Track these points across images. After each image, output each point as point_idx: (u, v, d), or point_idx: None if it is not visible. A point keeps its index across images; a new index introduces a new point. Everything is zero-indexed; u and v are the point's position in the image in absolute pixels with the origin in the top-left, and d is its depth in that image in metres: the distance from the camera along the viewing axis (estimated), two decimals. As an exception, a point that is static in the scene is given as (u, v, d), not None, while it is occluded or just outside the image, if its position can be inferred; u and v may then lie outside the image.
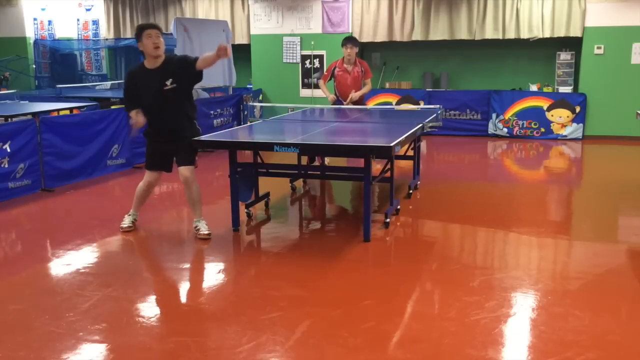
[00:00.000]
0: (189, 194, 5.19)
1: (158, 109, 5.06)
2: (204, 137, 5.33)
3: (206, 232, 5.17)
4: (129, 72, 5.34)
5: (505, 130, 10.89)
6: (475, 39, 10.93)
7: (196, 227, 5.22)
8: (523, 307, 3.81)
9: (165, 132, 5.15)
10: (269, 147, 5.07)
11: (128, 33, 13.14)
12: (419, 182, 7.06)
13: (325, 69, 7.94)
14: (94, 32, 13.61)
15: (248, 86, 12.40)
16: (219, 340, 3.41)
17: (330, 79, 7.79)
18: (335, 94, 7.76)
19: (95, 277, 4.39)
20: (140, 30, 4.99)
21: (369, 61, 12.22)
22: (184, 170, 5.10)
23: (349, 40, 7.67)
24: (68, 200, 6.67)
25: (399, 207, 5.96)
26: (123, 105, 5.46)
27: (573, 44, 10.67)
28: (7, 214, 6.08)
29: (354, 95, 7.63)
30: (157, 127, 5.20)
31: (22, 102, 9.63)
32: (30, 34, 13.41)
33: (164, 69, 5.02)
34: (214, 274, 4.55)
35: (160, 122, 5.16)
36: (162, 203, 6.69)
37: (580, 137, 10.56)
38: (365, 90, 7.78)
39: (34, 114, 7.55)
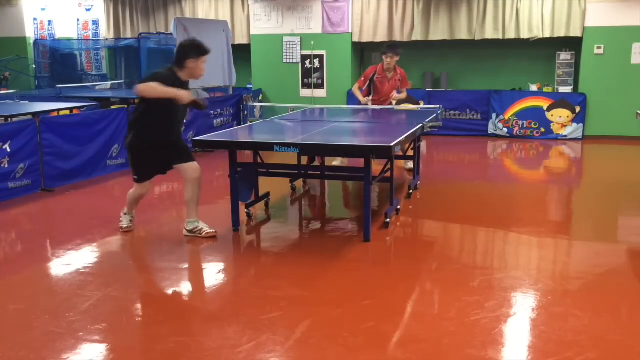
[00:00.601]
0: (195, 190, 5.07)
1: (175, 119, 4.99)
2: (204, 137, 5.33)
3: (213, 230, 5.18)
4: (163, 73, 4.88)
5: (505, 130, 10.89)
6: (475, 39, 10.93)
7: (197, 227, 5.19)
8: (523, 307, 3.81)
9: (170, 141, 5.06)
10: (269, 147, 5.07)
11: (128, 33, 13.14)
12: (419, 182, 7.06)
13: (362, 74, 7.81)
14: (94, 32, 13.60)
15: (248, 86, 12.40)
16: (219, 340, 3.41)
17: (367, 85, 7.63)
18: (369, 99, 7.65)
19: (95, 277, 4.39)
20: (199, 53, 4.87)
21: (369, 61, 12.26)
22: (196, 165, 5.08)
23: (391, 49, 7.52)
24: (68, 200, 6.67)
25: (399, 207, 5.95)
26: (144, 83, 4.69)
27: (573, 44, 10.67)
28: (7, 214, 6.08)
29: (397, 96, 7.62)
30: (166, 136, 5.01)
31: (22, 102, 9.62)
32: (30, 34, 13.40)
33: (188, 86, 5.05)
34: (214, 274, 4.55)
35: (170, 132, 5.04)
36: (162, 203, 6.70)
37: (580, 137, 10.56)
38: (402, 97, 7.76)
39: (34, 114, 7.54)
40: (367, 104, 7.61)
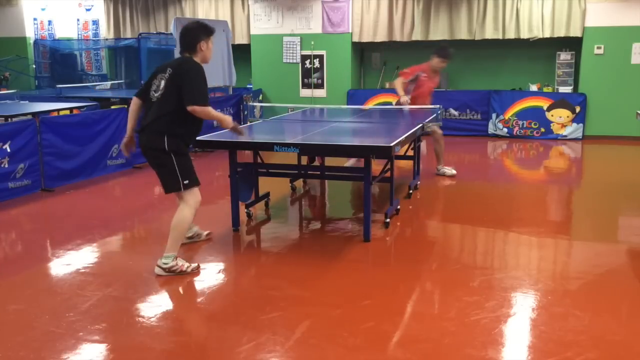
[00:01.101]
0: None
1: (202, 123, 4.55)
2: (204, 137, 5.33)
3: (208, 232, 5.19)
4: (201, 66, 4.40)
5: (505, 130, 10.89)
6: (475, 39, 10.93)
7: (197, 233, 5.16)
8: (523, 307, 3.81)
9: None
10: (269, 147, 5.07)
11: (128, 33, 13.14)
12: (419, 182, 7.06)
13: (407, 68, 7.63)
14: (94, 32, 13.61)
15: (248, 86, 12.40)
16: (219, 340, 3.41)
17: (410, 80, 7.41)
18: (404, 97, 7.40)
19: (95, 277, 4.39)
20: (208, 33, 4.42)
21: (369, 61, 12.27)
22: None
23: (449, 54, 7.53)
24: (68, 200, 6.67)
25: (399, 207, 5.95)
26: (204, 103, 4.24)
27: (573, 44, 10.67)
28: (7, 214, 6.08)
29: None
30: (191, 141, 4.58)
31: (22, 102, 9.63)
32: (30, 34, 13.40)
33: None
34: (214, 274, 4.54)
35: (194, 137, 4.61)
36: (161, 203, 6.69)
37: (580, 137, 10.56)
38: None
39: (34, 114, 7.55)
40: (404, 103, 7.30)
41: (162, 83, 4.32)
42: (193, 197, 4.39)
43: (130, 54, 12.53)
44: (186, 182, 4.34)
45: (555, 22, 10.49)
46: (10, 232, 5.63)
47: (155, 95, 4.34)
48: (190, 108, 4.20)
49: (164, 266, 4.34)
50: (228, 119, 4.55)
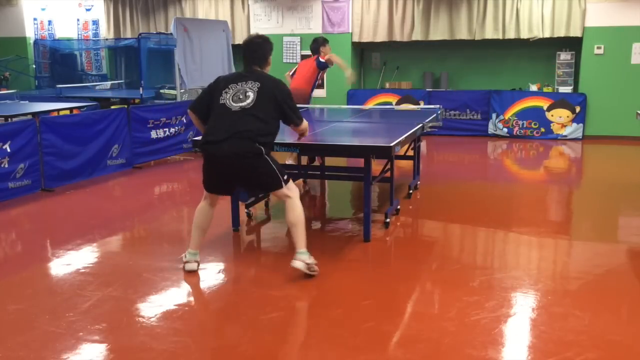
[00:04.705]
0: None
1: None
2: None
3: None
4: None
5: (505, 130, 10.89)
6: (475, 39, 10.93)
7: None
8: (523, 307, 3.81)
9: None
10: (269, 147, 5.06)
11: (128, 33, 13.14)
12: (419, 182, 7.06)
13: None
14: (94, 32, 13.60)
15: (248, 86, 12.38)
16: (219, 340, 3.41)
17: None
18: None
19: (95, 277, 4.39)
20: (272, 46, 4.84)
21: (369, 61, 12.26)
22: None
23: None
24: (68, 200, 6.67)
25: (399, 207, 5.96)
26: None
27: (573, 44, 10.67)
28: (7, 214, 6.08)
29: None
30: None
31: (22, 102, 9.63)
32: (30, 34, 13.40)
33: None
34: (214, 274, 4.55)
35: None
36: (162, 203, 6.70)
37: (580, 137, 10.55)
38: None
39: (34, 114, 7.55)
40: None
41: (250, 94, 4.39)
42: (294, 188, 4.39)
43: (130, 54, 12.52)
44: (285, 177, 4.34)
45: (555, 22, 10.49)
46: (10, 232, 5.63)
47: (238, 105, 4.30)
48: (294, 127, 4.61)
49: (309, 261, 4.22)
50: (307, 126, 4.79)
